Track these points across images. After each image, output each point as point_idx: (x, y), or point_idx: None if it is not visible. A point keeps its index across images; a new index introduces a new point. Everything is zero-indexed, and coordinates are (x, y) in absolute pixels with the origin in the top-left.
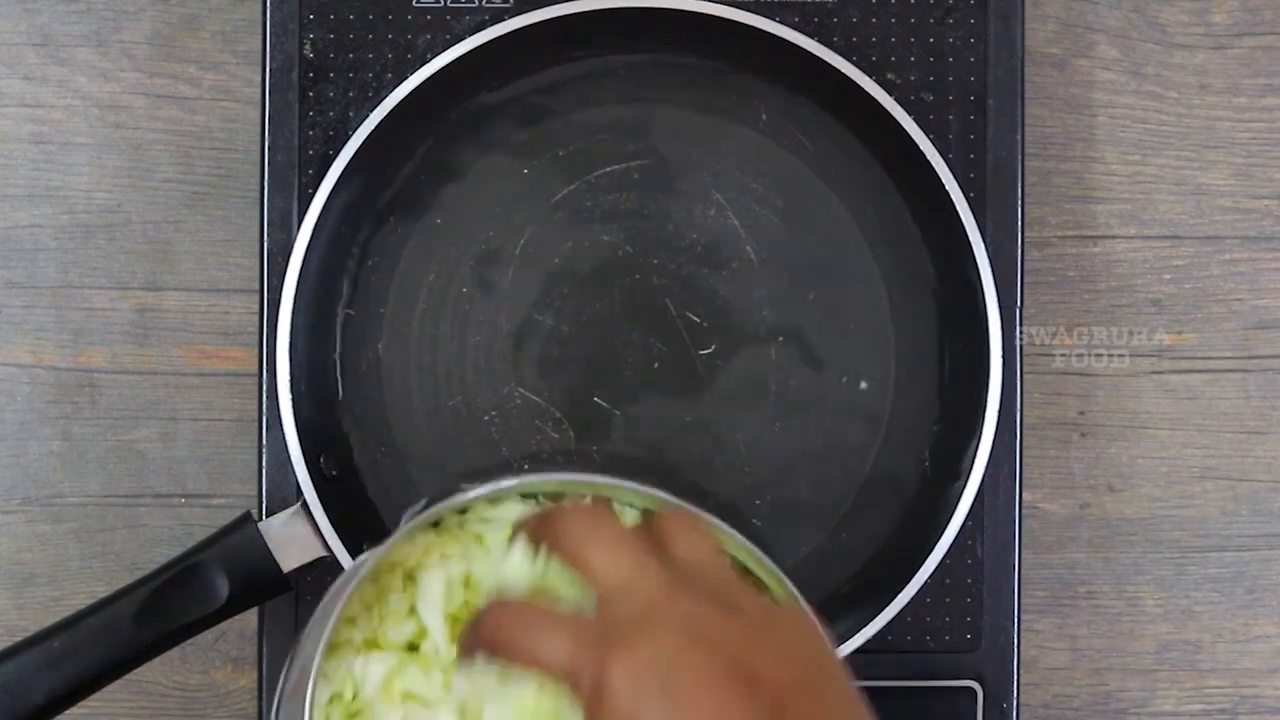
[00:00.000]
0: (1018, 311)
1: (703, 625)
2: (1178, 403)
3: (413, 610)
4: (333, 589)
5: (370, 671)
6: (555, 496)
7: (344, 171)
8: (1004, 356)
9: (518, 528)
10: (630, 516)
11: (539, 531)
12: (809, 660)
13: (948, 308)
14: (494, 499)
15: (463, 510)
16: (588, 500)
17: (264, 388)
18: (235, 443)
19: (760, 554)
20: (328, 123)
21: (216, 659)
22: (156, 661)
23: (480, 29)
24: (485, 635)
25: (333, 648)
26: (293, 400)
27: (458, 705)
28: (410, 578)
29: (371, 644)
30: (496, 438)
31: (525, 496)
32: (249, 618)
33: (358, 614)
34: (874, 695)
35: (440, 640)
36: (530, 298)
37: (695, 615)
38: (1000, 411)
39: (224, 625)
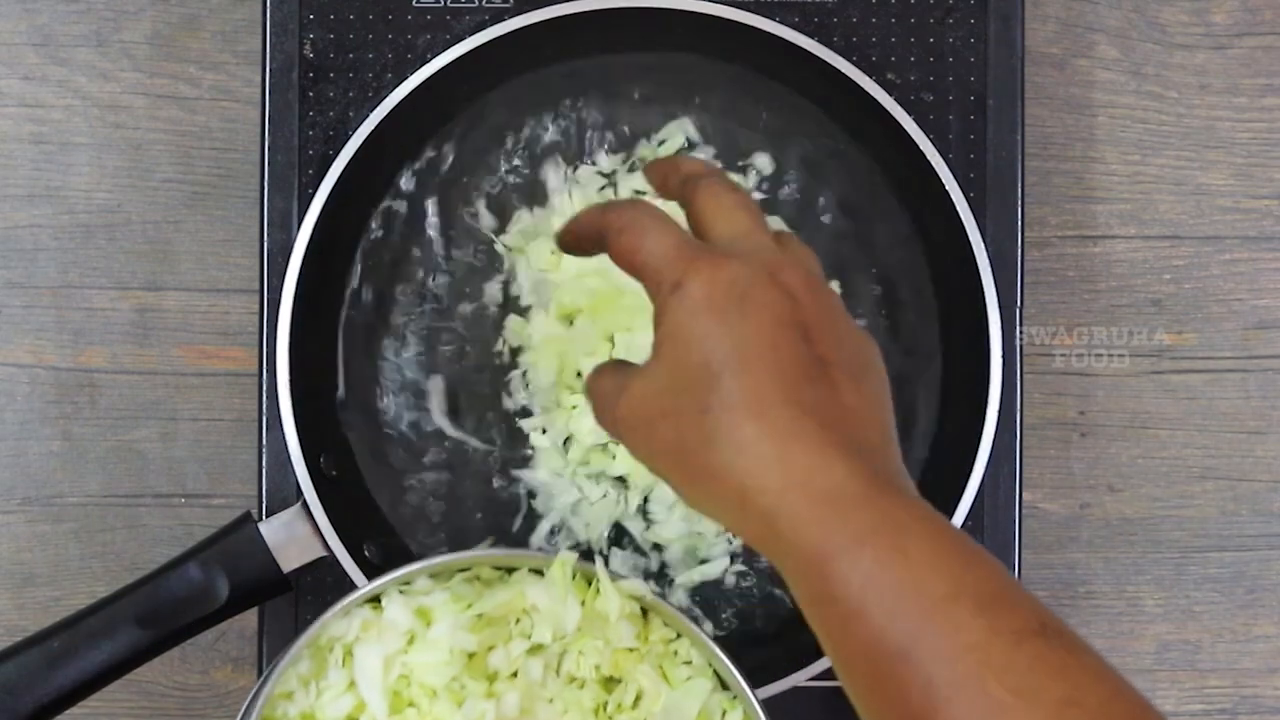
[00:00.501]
0: (1018, 311)
1: (788, 280)
2: (1178, 403)
3: (351, 685)
4: (268, 669)
5: None
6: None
7: (344, 171)
8: (1004, 356)
9: (654, 176)
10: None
11: (677, 185)
12: (861, 361)
13: (948, 308)
14: (435, 573)
15: (406, 582)
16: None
17: (264, 388)
18: (235, 443)
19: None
20: (328, 123)
21: (216, 659)
22: (156, 661)
23: (480, 29)
24: (607, 222)
25: None
26: (293, 400)
27: None
28: (349, 653)
29: (308, 718)
30: (497, 439)
31: (462, 570)
32: (249, 618)
33: (294, 689)
34: None
35: (380, 714)
36: None
37: (785, 272)
38: (1000, 411)
39: (224, 625)
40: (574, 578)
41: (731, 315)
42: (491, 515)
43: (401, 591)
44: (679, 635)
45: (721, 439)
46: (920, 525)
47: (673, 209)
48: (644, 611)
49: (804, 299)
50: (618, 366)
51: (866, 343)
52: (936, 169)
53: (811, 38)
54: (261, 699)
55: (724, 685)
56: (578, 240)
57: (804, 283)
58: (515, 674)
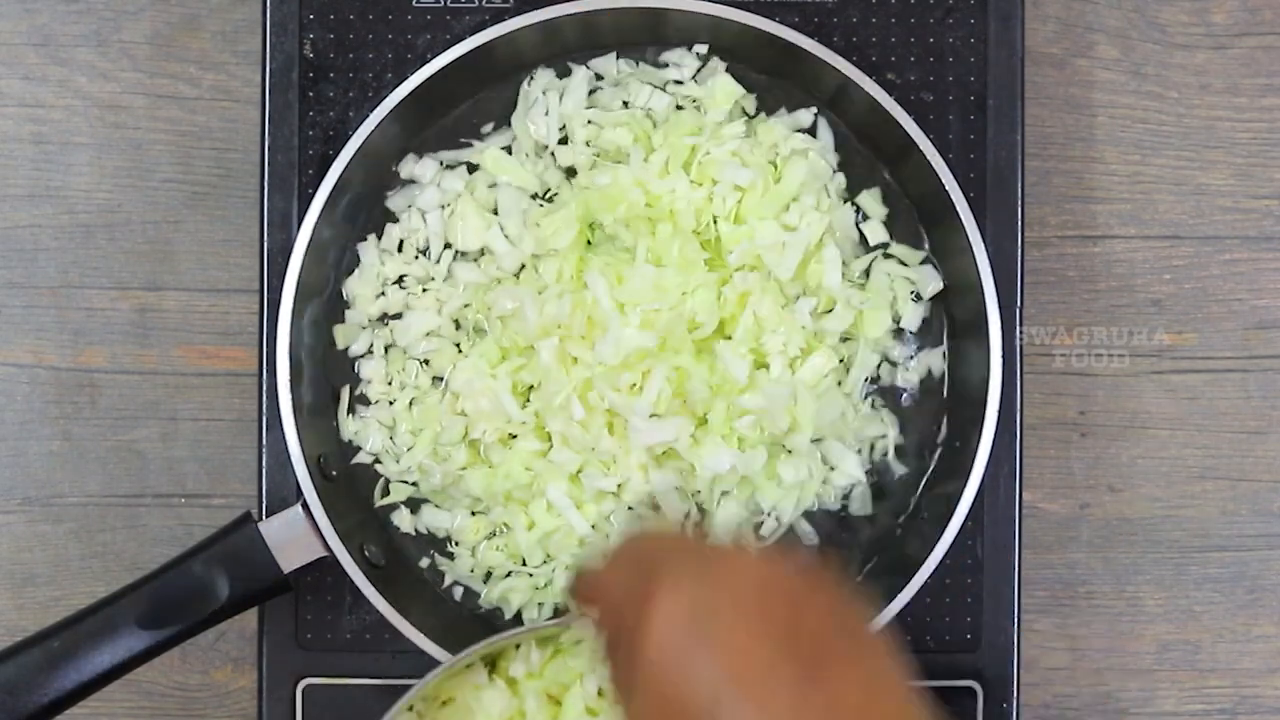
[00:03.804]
0: (1018, 311)
1: (748, 575)
2: (1178, 403)
3: None
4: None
5: None
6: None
7: (344, 171)
8: (1004, 356)
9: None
10: None
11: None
12: (854, 624)
13: (948, 308)
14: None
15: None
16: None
17: (264, 388)
18: (235, 443)
19: None
20: (328, 123)
21: (216, 659)
22: (156, 661)
23: (480, 29)
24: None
25: None
26: (293, 400)
27: None
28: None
29: None
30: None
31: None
32: (249, 618)
33: None
34: None
35: None
36: None
37: (740, 569)
38: (1000, 411)
39: (224, 625)
40: None
41: (707, 629)
42: None
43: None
44: None
45: None
46: None
47: None
48: None
49: (771, 581)
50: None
51: (849, 609)
52: (936, 169)
53: (811, 38)
54: None
55: None
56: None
57: (768, 570)
58: None
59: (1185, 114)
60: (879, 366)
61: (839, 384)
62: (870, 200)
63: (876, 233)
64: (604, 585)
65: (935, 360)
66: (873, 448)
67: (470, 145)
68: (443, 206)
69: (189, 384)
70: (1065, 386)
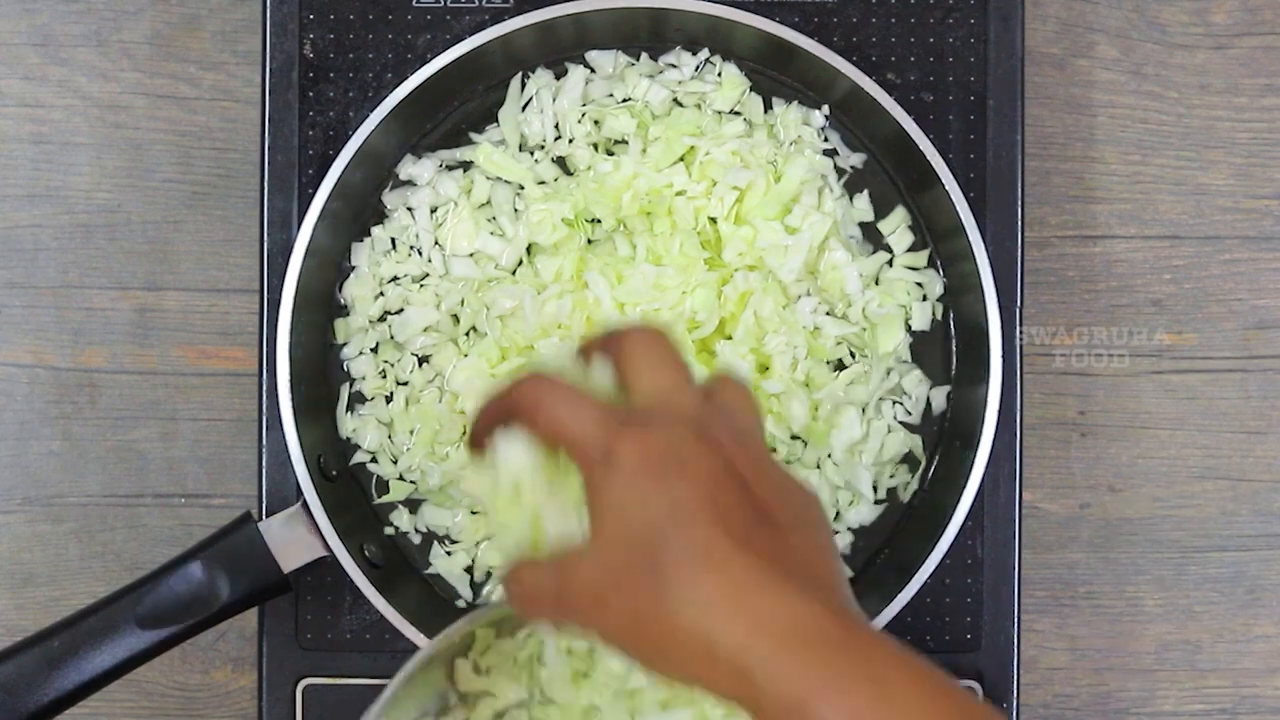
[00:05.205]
0: (1018, 311)
1: (718, 437)
2: (1178, 403)
3: None
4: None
5: None
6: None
7: (344, 171)
8: (1004, 356)
9: (583, 342)
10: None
11: (604, 343)
12: (802, 510)
13: (948, 308)
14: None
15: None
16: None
17: (264, 388)
18: (235, 443)
19: None
20: (328, 123)
21: (216, 659)
22: (156, 661)
23: (480, 29)
24: (517, 402)
25: None
26: (293, 400)
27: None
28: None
29: None
30: None
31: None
32: (249, 618)
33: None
34: None
35: None
36: None
37: (714, 430)
38: (1000, 411)
39: (224, 625)
40: None
41: (667, 476)
42: None
43: None
44: None
45: (679, 598)
46: (898, 665)
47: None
48: None
49: (736, 454)
50: (538, 562)
51: (805, 493)
52: (936, 169)
53: (812, 38)
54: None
55: None
56: (488, 429)
57: (733, 439)
58: None
59: (1185, 114)
60: (892, 389)
61: (862, 409)
62: (895, 219)
63: (901, 240)
64: (566, 410)
65: (938, 396)
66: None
67: (470, 144)
68: (433, 209)
69: (189, 384)
70: (1065, 386)
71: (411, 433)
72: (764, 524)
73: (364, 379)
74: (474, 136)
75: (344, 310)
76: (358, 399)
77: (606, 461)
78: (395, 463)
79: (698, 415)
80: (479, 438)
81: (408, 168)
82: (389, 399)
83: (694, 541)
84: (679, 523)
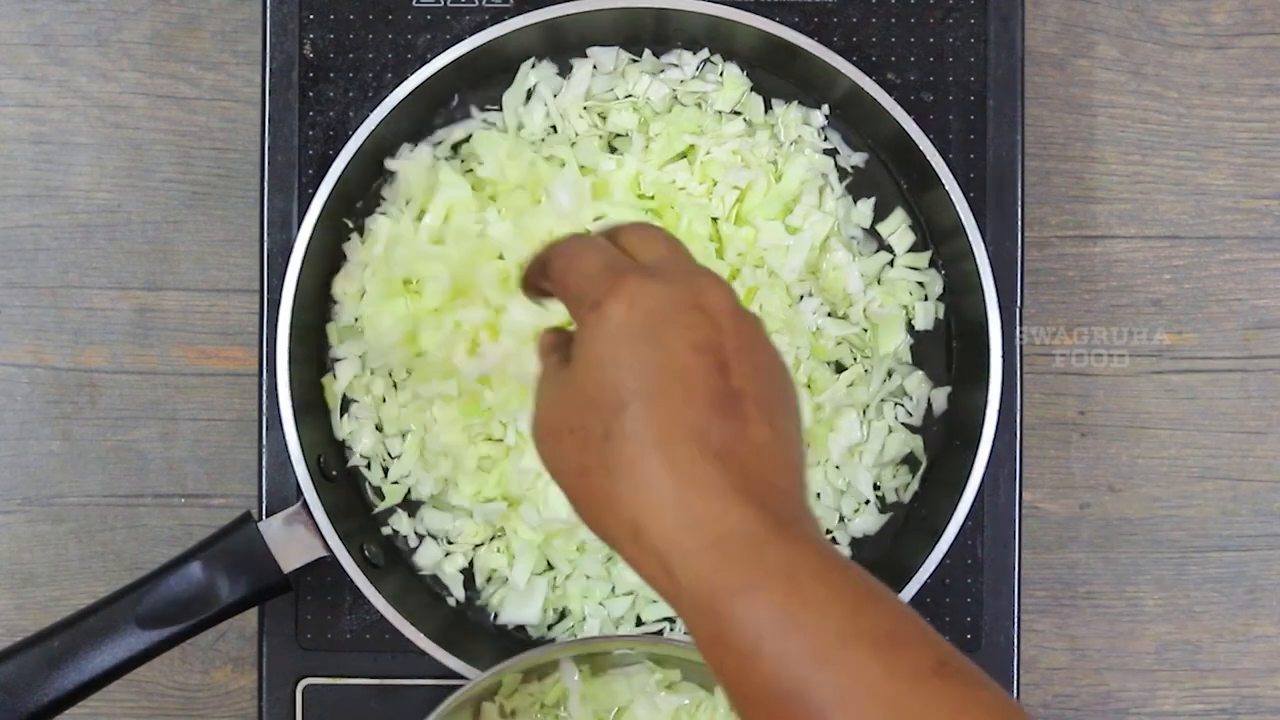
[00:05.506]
0: (1018, 311)
1: (714, 306)
2: (1178, 403)
3: None
4: None
5: None
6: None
7: (344, 171)
8: (1004, 356)
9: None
10: None
11: (606, 233)
12: (778, 398)
13: (948, 308)
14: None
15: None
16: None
17: (264, 388)
18: (235, 443)
19: None
20: (328, 123)
21: (216, 659)
22: (156, 661)
23: (480, 29)
24: (550, 261)
25: None
26: (293, 400)
27: None
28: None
29: None
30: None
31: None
32: (249, 618)
33: None
34: None
35: None
36: None
37: (710, 298)
38: (1000, 411)
39: (224, 625)
40: None
41: (648, 340)
42: None
43: None
44: None
45: (622, 469)
46: (815, 566)
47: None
48: None
49: (725, 324)
50: (558, 346)
51: (784, 374)
52: (936, 169)
53: (812, 38)
54: None
55: None
56: (536, 282)
57: (728, 306)
58: None
59: (1185, 114)
60: (893, 391)
61: (863, 411)
62: (896, 219)
63: (902, 240)
64: (571, 268)
65: (939, 397)
66: (893, 474)
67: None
68: (408, 200)
69: (189, 384)
70: (1065, 386)
71: (403, 436)
72: (729, 414)
73: (354, 379)
74: (474, 111)
75: (332, 304)
76: (352, 400)
77: (595, 309)
78: (386, 472)
79: (697, 277)
80: (529, 285)
81: (399, 162)
82: (384, 400)
83: (651, 420)
84: (641, 394)
